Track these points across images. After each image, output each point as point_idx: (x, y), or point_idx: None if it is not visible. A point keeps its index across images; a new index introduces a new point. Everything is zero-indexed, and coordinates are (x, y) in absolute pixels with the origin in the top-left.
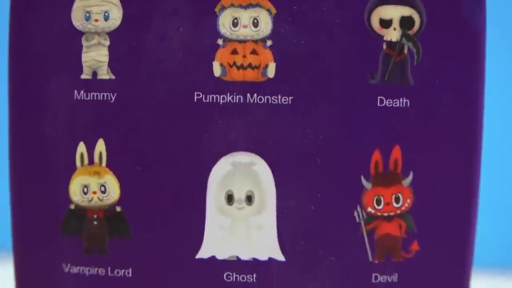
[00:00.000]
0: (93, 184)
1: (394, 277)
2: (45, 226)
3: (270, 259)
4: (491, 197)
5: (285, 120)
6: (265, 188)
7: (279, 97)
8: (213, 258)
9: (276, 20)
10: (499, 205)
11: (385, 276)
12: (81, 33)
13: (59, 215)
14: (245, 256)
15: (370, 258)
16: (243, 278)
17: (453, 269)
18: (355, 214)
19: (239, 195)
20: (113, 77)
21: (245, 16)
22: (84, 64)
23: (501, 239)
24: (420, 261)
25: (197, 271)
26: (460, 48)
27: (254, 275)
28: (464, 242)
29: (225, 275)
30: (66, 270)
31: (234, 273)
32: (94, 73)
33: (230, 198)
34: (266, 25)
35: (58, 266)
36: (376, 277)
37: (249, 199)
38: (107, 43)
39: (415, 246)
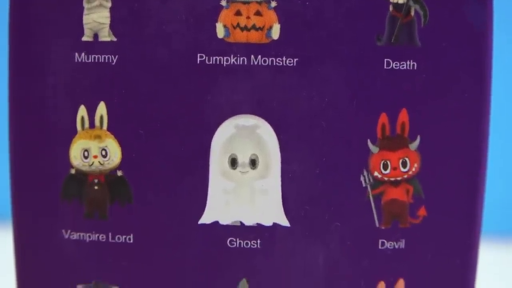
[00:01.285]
0: (94, 148)
1: (401, 244)
2: (44, 192)
3: (275, 224)
4: (500, 161)
5: (289, 82)
6: (269, 152)
7: (284, 59)
8: (216, 223)
9: None
10: (509, 169)
11: (392, 242)
12: None
13: (59, 180)
14: (249, 221)
15: (377, 224)
16: (246, 243)
17: (461, 236)
18: (362, 178)
19: (243, 159)
20: (114, 39)
21: None
22: (85, 26)
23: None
24: (428, 227)
25: (200, 237)
26: (467, 10)
27: (258, 241)
28: (472, 207)
29: (228, 240)
30: (66, 236)
31: (237, 239)
32: (95, 35)
33: (233, 162)
34: None
35: (58, 233)
36: (382, 243)
37: (253, 163)
38: (109, 4)
39: (422, 212)
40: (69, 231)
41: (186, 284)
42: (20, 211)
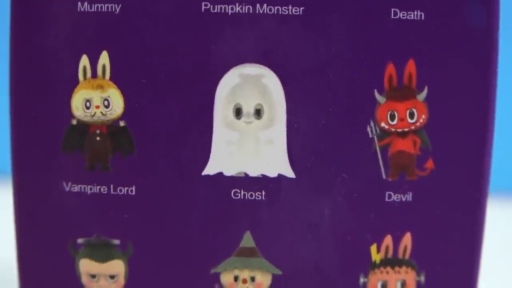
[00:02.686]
0: (96, 98)
1: (408, 196)
2: (45, 143)
3: (280, 175)
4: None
5: (296, 31)
6: (275, 102)
7: (290, 7)
8: (220, 174)
9: None
10: None
11: (399, 195)
12: None
13: (60, 131)
14: (253, 172)
15: (384, 176)
16: (251, 195)
17: (469, 189)
18: (368, 129)
19: (248, 108)
20: None
21: None
22: None
23: None
24: (435, 180)
25: (204, 188)
26: None
27: (263, 192)
28: (480, 161)
29: (232, 192)
30: (67, 188)
31: (242, 190)
32: None
33: (238, 112)
34: None
35: (58, 185)
36: (389, 196)
37: (258, 112)
38: None
39: (430, 164)
40: (70, 183)
41: (189, 236)
42: (21, 164)
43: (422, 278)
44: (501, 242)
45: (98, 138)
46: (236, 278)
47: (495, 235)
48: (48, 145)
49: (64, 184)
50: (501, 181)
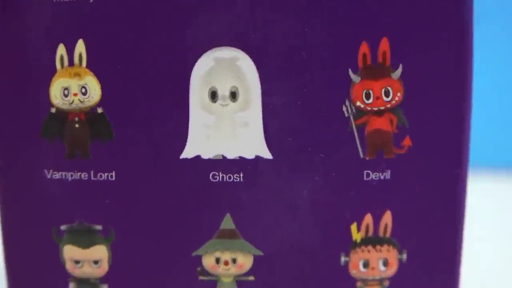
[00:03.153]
0: (74, 86)
1: (387, 174)
2: (26, 132)
3: (257, 157)
4: (487, 89)
5: (268, 13)
6: (250, 84)
7: None
8: (198, 157)
9: None
10: (498, 98)
11: (377, 173)
12: None
13: (40, 119)
14: (231, 154)
15: (361, 155)
16: (229, 177)
17: (448, 166)
18: (344, 108)
19: (223, 91)
20: None
21: None
22: None
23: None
24: (413, 157)
25: (182, 172)
26: None
27: (241, 174)
28: (458, 137)
29: (211, 174)
30: (48, 176)
31: (220, 173)
32: None
33: (213, 95)
34: None
35: (40, 173)
36: (368, 174)
37: (233, 95)
38: None
39: (407, 142)
40: (51, 171)
41: (170, 220)
42: (2, 153)
43: (404, 256)
44: (484, 217)
45: (77, 126)
46: (217, 260)
47: (478, 210)
48: (29, 134)
49: (46, 171)
50: (484, 156)
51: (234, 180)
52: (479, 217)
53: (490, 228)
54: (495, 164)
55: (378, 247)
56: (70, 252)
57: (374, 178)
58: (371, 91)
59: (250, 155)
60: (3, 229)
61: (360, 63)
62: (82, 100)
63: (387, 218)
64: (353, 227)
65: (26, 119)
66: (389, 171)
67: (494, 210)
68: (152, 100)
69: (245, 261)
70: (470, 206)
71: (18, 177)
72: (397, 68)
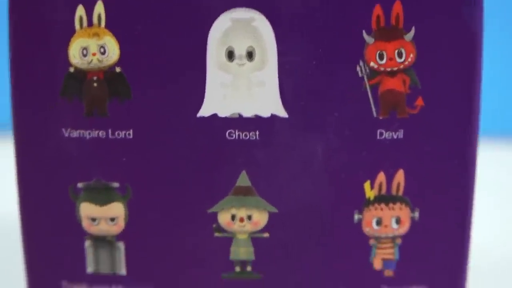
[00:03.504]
0: (93, 46)
1: (400, 134)
2: (44, 92)
3: (273, 115)
4: (498, 50)
5: None
6: (266, 44)
7: None
8: (214, 116)
9: None
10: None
11: (390, 132)
12: None
13: (58, 79)
14: (247, 113)
15: (375, 114)
16: (245, 135)
17: (459, 127)
18: (358, 69)
19: (240, 51)
20: None
21: None
22: None
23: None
24: (426, 118)
25: (199, 130)
26: None
27: (257, 132)
28: (469, 98)
29: (227, 132)
30: (66, 135)
31: (236, 131)
32: None
33: (230, 55)
34: None
35: (58, 132)
36: (381, 134)
37: (250, 55)
38: None
39: (419, 102)
40: (69, 129)
41: (186, 177)
42: (21, 112)
43: (416, 215)
44: (494, 180)
45: (95, 85)
46: (233, 217)
47: (488, 174)
48: (47, 93)
49: (63, 130)
50: (494, 121)
51: (250, 138)
52: (487, 184)
53: (497, 194)
54: (503, 133)
55: (390, 205)
56: (86, 209)
57: (387, 137)
58: (384, 52)
59: (266, 114)
60: (19, 188)
61: (373, 25)
62: (100, 60)
63: (400, 176)
64: (367, 185)
65: (44, 79)
66: (402, 131)
67: (501, 177)
68: (169, 59)
69: (260, 218)
70: (480, 169)
71: (36, 136)
72: (409, 30)
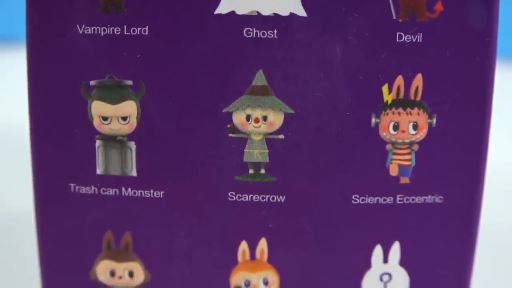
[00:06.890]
0: None
1: (419, 37)
2: None
3: (292, 14)
4: None
5: None
6: None
7: None
8: (232, 13)
9: None
10: None
11: (409, 36)
12: None
13: None
14: (265, 11)
15: (394, 16)
16: (263, 33)
17: (478, 31)
18: None
19: None
20: None
21: None
22: None
23: None
24: (445, 22)
25: (216, 27)
26: None
27: (275, 31)
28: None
29: (245, 30)
30: (81, 31)
31: (254, 29)
32: None
33: None
34: None
35: (72, 27)
36: (400, 36)
37: None
38: None
39: (439, 7)
40: (83, 25)
41: (201, 75)
42: (35, 7)
43: (434, 121)
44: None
45: None
46: (248, 118)
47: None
48: None
49: (78, 26)
50: None
51: (268, 36)
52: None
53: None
54: None
55: (408, 109)
56: (98, 108)
57: (406, 40)
58: None
59: (284, 12)
60: (30, 84)
61: None
62: None
63: (418, 80)
64: (385, 88)
65: None
66: (421, 34)
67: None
68: None
69: (276, 119)
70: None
71: (50, 32)
72: None
